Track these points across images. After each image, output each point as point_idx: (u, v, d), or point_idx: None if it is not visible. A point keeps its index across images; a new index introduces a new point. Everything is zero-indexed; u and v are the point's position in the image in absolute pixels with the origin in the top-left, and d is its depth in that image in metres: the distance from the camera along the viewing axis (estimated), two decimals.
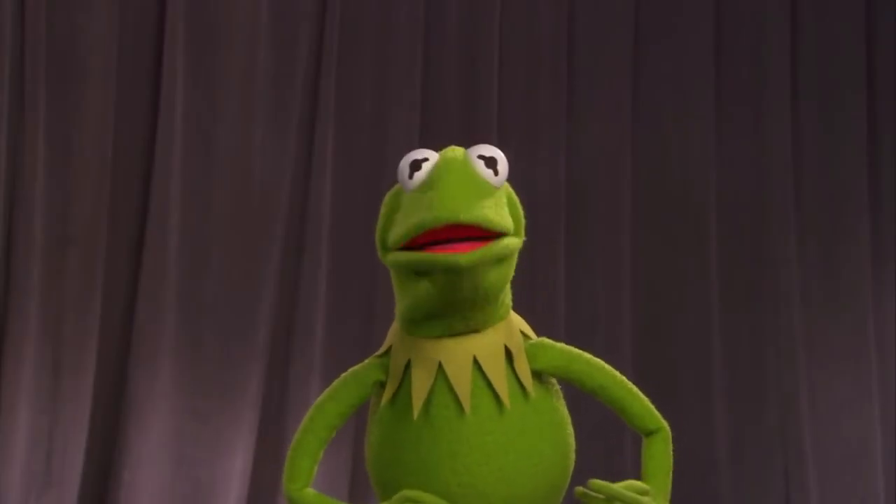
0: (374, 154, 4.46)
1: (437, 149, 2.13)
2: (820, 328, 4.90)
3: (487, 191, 1.99)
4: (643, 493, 2.07)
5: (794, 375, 4.82)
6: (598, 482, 2.02)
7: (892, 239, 5.00)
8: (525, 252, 2.12)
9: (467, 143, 2.11)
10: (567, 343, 2.24)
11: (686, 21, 4.90)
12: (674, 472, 2.20)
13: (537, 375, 2.15)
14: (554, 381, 2.22)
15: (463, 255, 1.92)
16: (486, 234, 1.95)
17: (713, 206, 4.85)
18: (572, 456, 2.19)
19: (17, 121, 4.09)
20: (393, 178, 2.14)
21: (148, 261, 4.20)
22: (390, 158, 4.41)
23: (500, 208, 2.00)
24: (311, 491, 2.20)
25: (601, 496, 2.01)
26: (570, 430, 2.18)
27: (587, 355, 2.21)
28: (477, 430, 2.06)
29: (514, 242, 2.03)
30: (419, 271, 2.00)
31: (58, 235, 4.11)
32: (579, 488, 2.03)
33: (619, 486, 2.07)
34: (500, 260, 2.00)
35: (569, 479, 2.18)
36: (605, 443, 4.19)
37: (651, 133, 4.85)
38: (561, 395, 2.21)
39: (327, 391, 2.24)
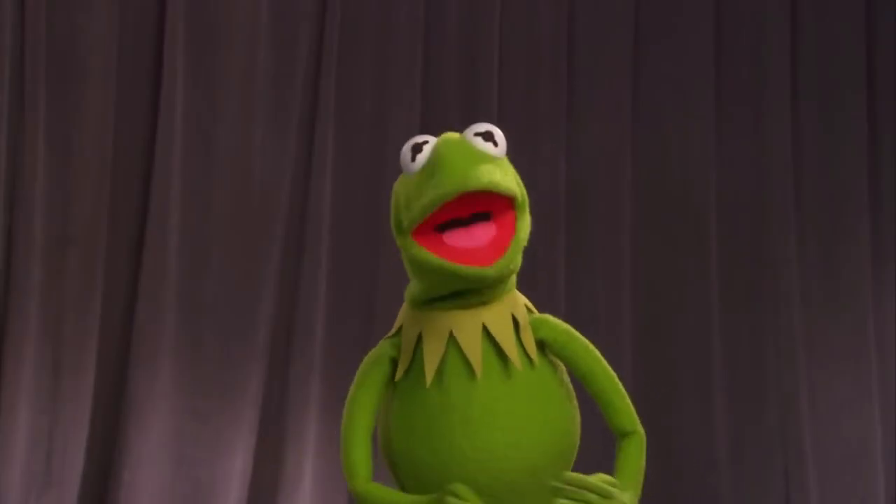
0: (374, 154, 4.46)
1: None
2: (820, 328, 4.90)
3: (489, 159, 2.07)
4: (612, 485, 2.10)
5: (794, 375, 4.81)
6: (571, 474, 2.07)
7: (892, 239, 5.00)
8: (525, 252, 2.16)
9: None
10: None
11: (686, 21, 4.90)
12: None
13: (541, 349, 2.21)
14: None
15: (489, 269, 2.03)
16: (497, 198, 2.04)
17: (713, 206, 4.85)
18: (578, 428, 2.23)
19: (17, 121, 4.09)
20: (393, 178, 2.16)
21: (148, 261, 4.20)
22: (390, 158, 4.39)
23: (506, 174, 2.09)
24: (376, 484, 2.21)
25: (574, 488, 2.04)
26: (575, 403, 2.24)
27: (587, 341, 2.27)
28: (488, 394, 2.12)
29: (526, 230, 2.13)
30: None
31: (58, 235, 4.11)
32: (553, 482, 2.06)
33: (592, 479, 2.10)
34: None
35: (576, 451, 2.22)
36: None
37: (651, 133, 4.85)
38: (565, 371, 2.26)
39: (354, 383, 2.27)
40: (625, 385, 2.27)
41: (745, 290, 4.87)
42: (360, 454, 2.21)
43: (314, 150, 4.42)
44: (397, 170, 2.15)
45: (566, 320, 4.73)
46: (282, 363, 4.33)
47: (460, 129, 2.16)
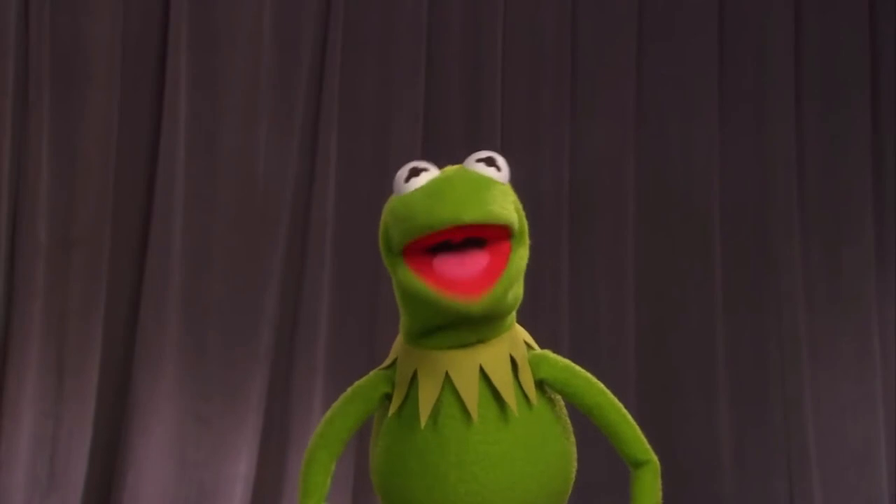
0: (378, 155, 4.46)
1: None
2: (824, 330, 4.89)
3: (490, 184, 2.00)
4: None
5: (798, 377, 4.81)
6: None
7: (895, 241, 4.99)
8: (528, 253, 2.11)
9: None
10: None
11: (689, 22, 4.90)
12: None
13: (539, 386, 2.16)
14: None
15: (475, 302, 1.95)
16: (493, 226, 1.96)
17: (716, 208, 4.84)
18: (574, 465, 2.20)
19: (20, 123, 4.09)
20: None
21: (151, 262, 4.20)
22: (393, 159, 4.40)
23: (505, 201, 2.00)
24: None
25: None
26: (572, 439, 2.20)
27: (588, 374, 2.21)
28: (483, 438, 2.07)
29: (521, 262, 2.04)
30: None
31: (61, 237, 4.11)
32: None
33: None
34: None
35: (570, 488, 2.20)
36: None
37: (654, 134, 4.85)
38: (563, 405, 2.22)
39: (334, 406, 2.24)
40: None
41: (748, 291, 4.86)
42: (320, 479, 2.18)
43: (317, 152, 4.42)
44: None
45: (570, 322, 4.71)
46: (285, 365, 4.33)
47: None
